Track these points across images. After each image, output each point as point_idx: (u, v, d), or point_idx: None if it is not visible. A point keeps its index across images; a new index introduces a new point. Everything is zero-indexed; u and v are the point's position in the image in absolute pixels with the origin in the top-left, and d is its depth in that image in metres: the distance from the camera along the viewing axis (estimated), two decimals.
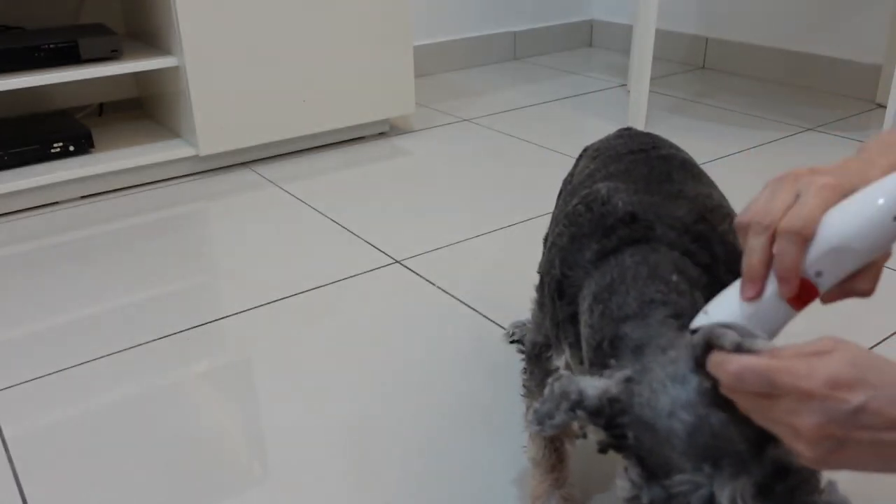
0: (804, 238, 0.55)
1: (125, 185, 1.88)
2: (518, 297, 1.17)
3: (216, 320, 1.32)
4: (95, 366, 1.21)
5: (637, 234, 0.70)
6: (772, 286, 0.57)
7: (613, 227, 0.71)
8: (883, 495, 0.93)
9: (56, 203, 1.79)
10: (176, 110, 1.95)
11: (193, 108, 1.83)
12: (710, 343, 0.54)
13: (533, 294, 0.90)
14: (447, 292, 1.40)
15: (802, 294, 0.56)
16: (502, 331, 1.27)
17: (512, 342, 1.24)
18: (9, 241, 1.63)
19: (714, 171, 0.91)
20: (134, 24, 2.08)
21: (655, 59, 2.25)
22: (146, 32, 2.00)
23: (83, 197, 1.83)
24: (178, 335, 1.28)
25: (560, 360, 0.78)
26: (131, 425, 1.08)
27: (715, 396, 0.54)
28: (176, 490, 0.97)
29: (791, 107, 2.41)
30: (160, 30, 1.89)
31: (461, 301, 1.37)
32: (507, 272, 1.47)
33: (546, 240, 0.99)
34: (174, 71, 1.86)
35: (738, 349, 0.53)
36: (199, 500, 0.95)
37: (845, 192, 0.56)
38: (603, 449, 0.59)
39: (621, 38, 3.12)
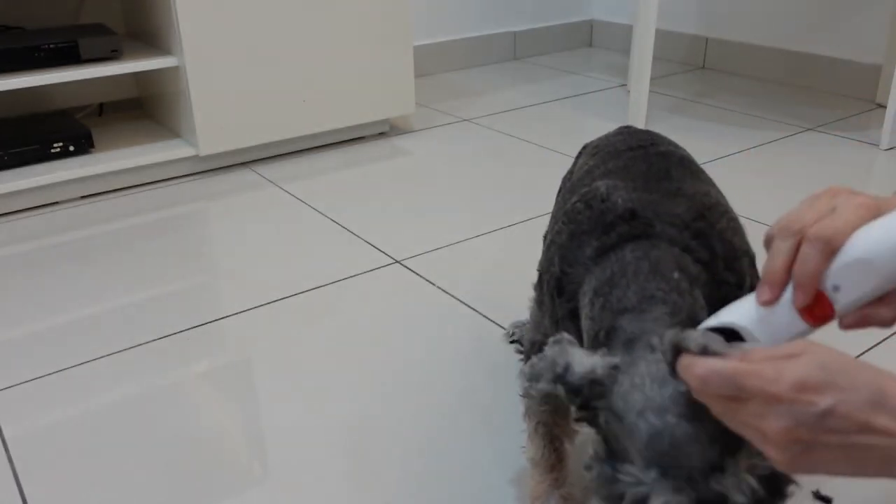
0: (831, 248, 0.53)
1: (125, 185, 1.88)
2: (518, 297, 1.17)
3: (216, 320, 1.33)
4: (95, 366, 1.21)
5: (637, 231, 0.70)
6: (789, 293, 0.56)
7: (613, 224, 0.72)
8: (883, 495, 0.93)
9: (56, 203, 1.79)
10: (176, 110, 1.95)
11: (193, 108, 1.84)
12: (677, 346, 0.54)
13: (532, 293, 0.91)
14: (447, 292, 1.40)
15: (817, 308, 0.55)
16: (502, 331, 1.27)
17: (512, 342, 1.24)
18: (9, 241, 1.63)
19: (714, 171, 0.91)
20: (134, 24, 2.08)
21: (655, 59, 2.25)
22: (146, 32, 2.00)
23: (83, 197, 1.83)
24: (178, 335, 1.28)
25: None
26: (131, 425, 1.08)
27: (690, 404, 0.54)
28: (176, 490, 0.97)
29: (791, 107, 2.41)
30: (160, 30, 1.89)
31: (461, 301, 1.37)
32: (507, 272, 1.47)
33: (545, 238, 0.99)
34: (174, 71, 1.86)
35: (704, 352, 0.52)
36: (199, 500, 0.95)
37: (882, 214, 0.55)
38: (578, 419, 0.60)
39: (621, 38, 3.12)
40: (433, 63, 2.86)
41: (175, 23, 1.77)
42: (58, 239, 1.63)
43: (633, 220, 0.71)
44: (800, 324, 0.56)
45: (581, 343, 0.71)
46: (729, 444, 0.53)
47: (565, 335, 0.62)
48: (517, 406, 1.06)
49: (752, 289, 0.74)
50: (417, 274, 1.46)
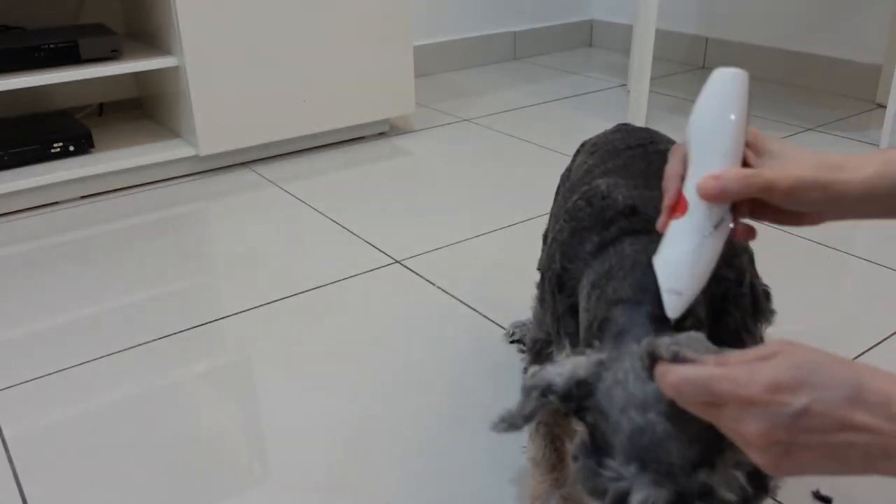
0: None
1: (125, 185, 1.88)
2: (518, 297, 1.17)
3: (216, 320, 1.32)
4: (95, 366, 1.21)
5: (637, 226, 0.71)
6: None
7: (613, 220, 0.72)
8: (883, 495, 0.93)
9: (56, 203, 1.79)
10: (176, 110, 1.95)
11: (193, 108, 1.83)
12: (652, 354, 0.54)
13: (534, 292, 0.91)
14: (447, 292, 1.40)
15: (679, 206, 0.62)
16: (502, 331, 1.27)
17: (512, 342, 1.24)
18: (9, 241, 1.63)
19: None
20: (134, 24, 2.08)
21: (655, 59, 2.25)
22: (146, 32, 2.00)
23: (83, 197, 1.83)
24: (178, 335, 1.28)
25: (561, 356, 0.78)
26: (131, 425, 1.08)
27: (672, 401, 0.54)
28: (176, 490, 0.96)
29: (791, 107, 2.41)
30: (160, 30, 1.89)
31: (461, 301, 1.37)
32: (507, 272, 1.47)
33: (545, 236, 0.99)
34: (174, 71, 1.86)
35: (676, 359, 0.52)
36: (199, 500, 0.95)
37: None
38: (567, 412, 0.61)
39: (621, 38, 3.12)
40: (433, 63, 2.86)
41: (175, 23, 1.77)
42: (58, 239, 1.63)
43: (633, 216, 0.72)
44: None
45: (578, 336, 0.71)
46: (715, 441, 0.53)
47: (532, 368, 0.63)
48: None
49: (751, 285, 0.74)
50: (417, 274, 1.46)
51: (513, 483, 0.96)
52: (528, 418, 0.60)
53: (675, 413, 0.54)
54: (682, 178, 0.62)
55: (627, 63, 2.68)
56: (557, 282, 0.75)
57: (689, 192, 0.60)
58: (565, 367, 0.60)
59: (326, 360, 1.21)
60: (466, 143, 2.17)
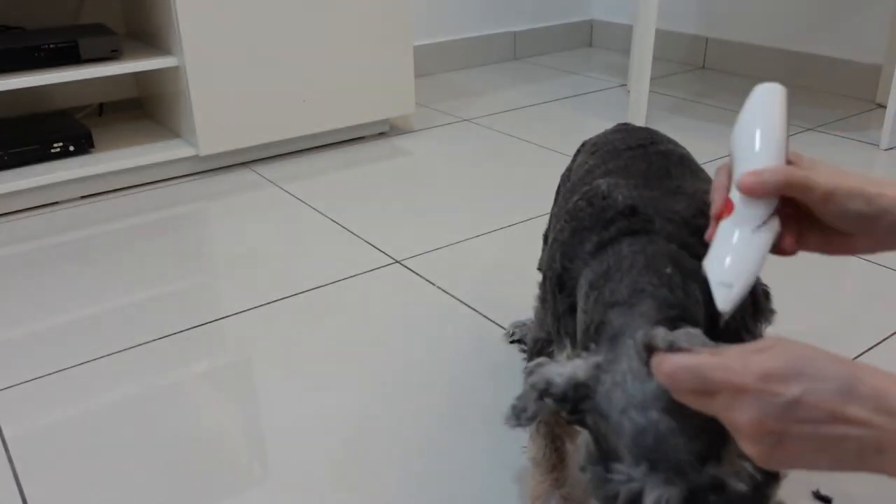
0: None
1: (125, 185, 1.88)
2: (518, 297, 1.17)
3: (216, 320, 1.32)
4: (95, 366, 1.21)
5: (636, 226, 0.71)
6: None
7: (613, 220, 0.72)
8: (883, 495, 0.93)
9: (56, 203, 1.79)
10: (176, 110, 1.95)
11: (193, 108, 1.83)
12: (649, 345, 0.55)
13: (535, 292, 0.91)
14: (447, 292, 1.40)
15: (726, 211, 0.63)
16: (502, 331, 1.27)
17: (512, 342, 1.24)
18: (9, 241, 1.62)
19: (714, 171, 0.91)
20: (134, 24, 2.08)
21: (655, 59, 2.25)
22: (146, 32, 2.00)
23: (83, 197, 1.83)
24: (178, 335, 1.28)
25: (562, 355, 0.78)
26: (131, 425, 1.08)
27: (672, 399, 0.54)
28: (176, 490, 0.96)
29: (791, 107, 2.40)
30: (160, 30, 1.89)
31: (461, 301, 1.37)
32: (507, 272, 1.47)
33: (546, 237, 0.99)
34: (174, 71, 1.86)
35: (671, 348, 0.53)
36: (199, 500, 0.95)
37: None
38: (569, 421, 0.61)
39: (621, 38, 3.12)
40: (433, 63, 2.86)
41: (175, 23, 1.77)
42: (58, 239, 1.63)
43: (632, 216, 0.72)
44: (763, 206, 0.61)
45: (576, 337, 0.71)
46: (718, 434, 0.53)
47: (538, 360, 0.63)
48: None
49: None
50: (417, 274, 1.46)
51: (513, 483, 0.96)
52: (530, 419, 0.60)
53: (675, 409, 0.54)
54: (728, 190, 0.63)
55: (627, 63, 2.68)
56: (558, 282, 0.75)
57: (735, 196, 0.62)
58: (566, 368, 0.60)
59: (326, 360, 1.21)
60: (466, 143, 2.17)
